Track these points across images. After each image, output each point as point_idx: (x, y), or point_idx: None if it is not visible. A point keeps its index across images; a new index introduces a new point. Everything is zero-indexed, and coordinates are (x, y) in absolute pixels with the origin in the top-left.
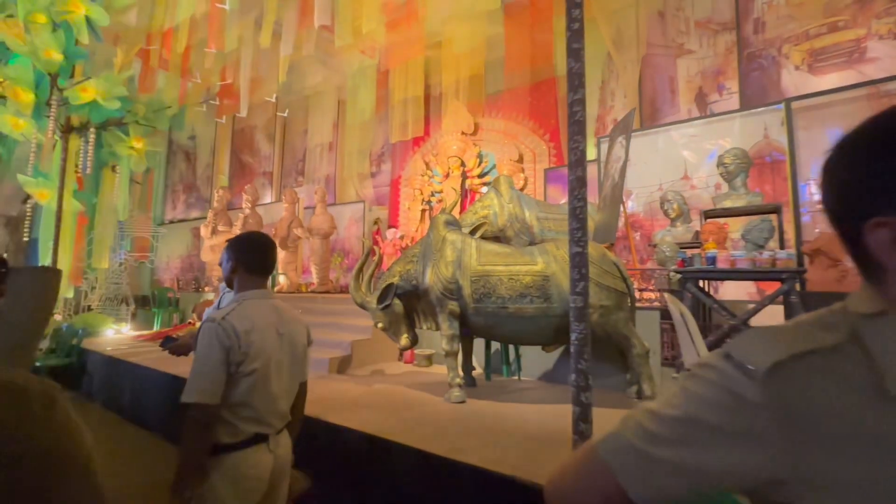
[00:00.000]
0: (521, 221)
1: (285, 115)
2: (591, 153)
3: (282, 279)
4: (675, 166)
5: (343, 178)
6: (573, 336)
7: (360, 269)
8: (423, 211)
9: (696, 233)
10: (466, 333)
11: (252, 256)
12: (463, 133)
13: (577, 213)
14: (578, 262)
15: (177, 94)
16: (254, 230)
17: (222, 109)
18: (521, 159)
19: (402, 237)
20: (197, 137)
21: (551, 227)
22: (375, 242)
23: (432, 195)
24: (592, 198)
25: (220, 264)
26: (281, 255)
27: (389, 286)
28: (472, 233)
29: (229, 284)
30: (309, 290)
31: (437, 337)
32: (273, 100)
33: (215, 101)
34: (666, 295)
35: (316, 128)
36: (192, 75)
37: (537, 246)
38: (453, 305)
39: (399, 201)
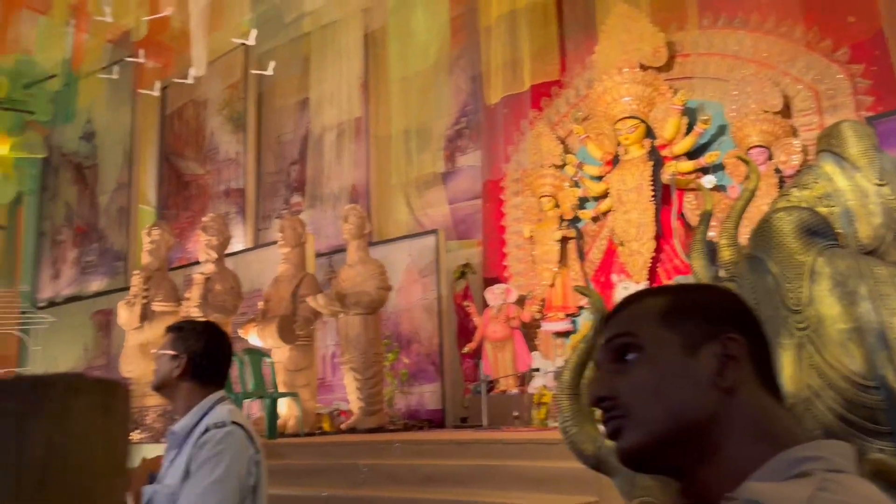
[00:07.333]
0: None
1: (269, 72)
2: None
3: (282, 408)
4: None
5: (385, 192)
6: None
7: (583, 365)
8: (565, 242)
9: None
10: None
11: None
12: (643, 67)
13: None
14: None
15: (64, 53)
16: None
17: (145, 75)
18: (785, 110)
19: (524, 299)
20: (98, 134)
21: None
22: (466, 314)
23: (581, 205)
24: None
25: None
26: (283, 353)
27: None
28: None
29: None
30: (343, 426)
31: None
32: (250, 42)
33: (135, 58)
34: None
35: (326, 93)
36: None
37: None
38: (882, 453)
39: (504, 227)
